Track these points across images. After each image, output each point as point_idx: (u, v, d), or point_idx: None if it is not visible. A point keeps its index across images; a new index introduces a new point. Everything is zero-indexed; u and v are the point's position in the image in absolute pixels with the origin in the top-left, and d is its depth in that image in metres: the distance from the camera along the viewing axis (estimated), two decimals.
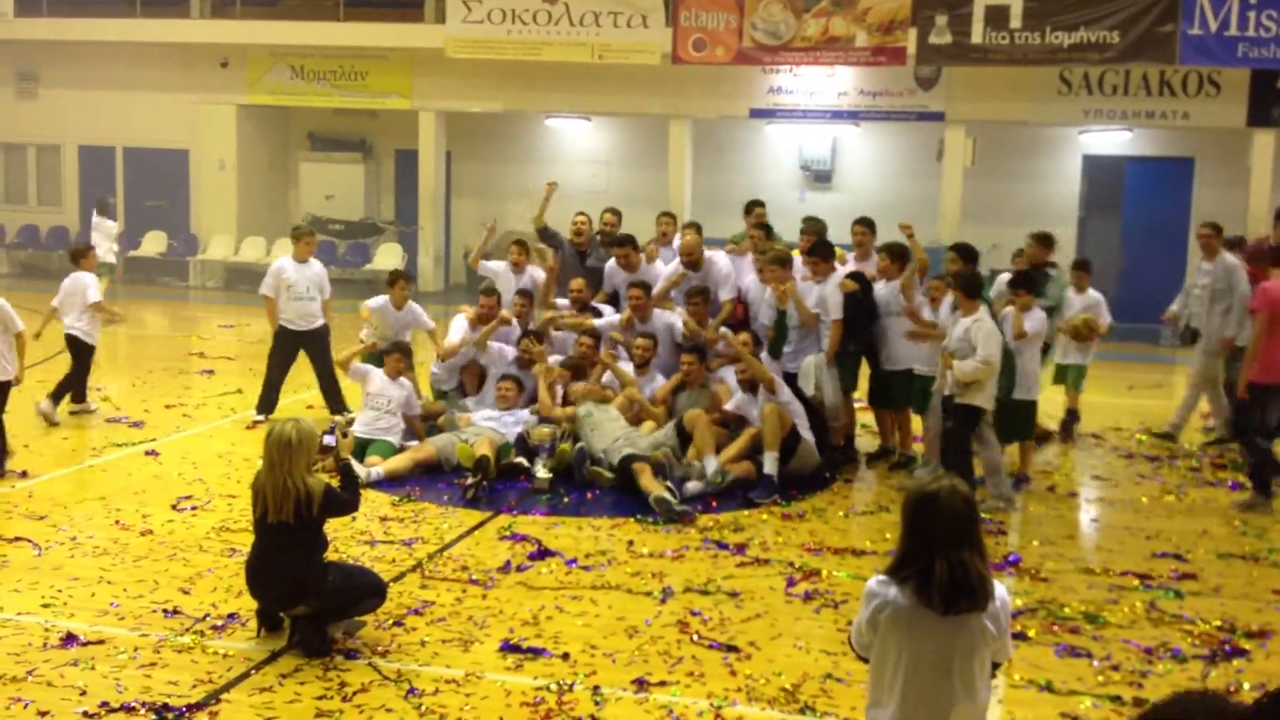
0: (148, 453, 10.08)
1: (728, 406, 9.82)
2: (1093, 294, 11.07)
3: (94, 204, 19.83)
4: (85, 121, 22.83)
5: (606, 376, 10.43)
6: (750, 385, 9.61)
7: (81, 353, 11.31)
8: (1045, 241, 11.09)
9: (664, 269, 11.14)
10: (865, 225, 10.65)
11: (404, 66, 21.20)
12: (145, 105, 22.31)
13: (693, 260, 10.82)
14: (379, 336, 10.77)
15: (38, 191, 23.93)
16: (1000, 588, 3.74)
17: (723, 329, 10.34)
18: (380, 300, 11.10)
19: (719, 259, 10.95)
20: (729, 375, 10.08)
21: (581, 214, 11.91)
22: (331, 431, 6.59)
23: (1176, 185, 19.83)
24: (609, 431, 9.49)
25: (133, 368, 13.80)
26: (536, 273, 11.54)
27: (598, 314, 11.01)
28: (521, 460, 9.48)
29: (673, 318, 10.61)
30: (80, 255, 11.71)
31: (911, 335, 9.73)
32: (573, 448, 9.46)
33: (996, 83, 18.73)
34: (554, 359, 10.50)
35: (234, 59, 21.84)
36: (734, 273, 10.80)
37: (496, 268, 11.70)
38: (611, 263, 11.28)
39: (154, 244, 22.77)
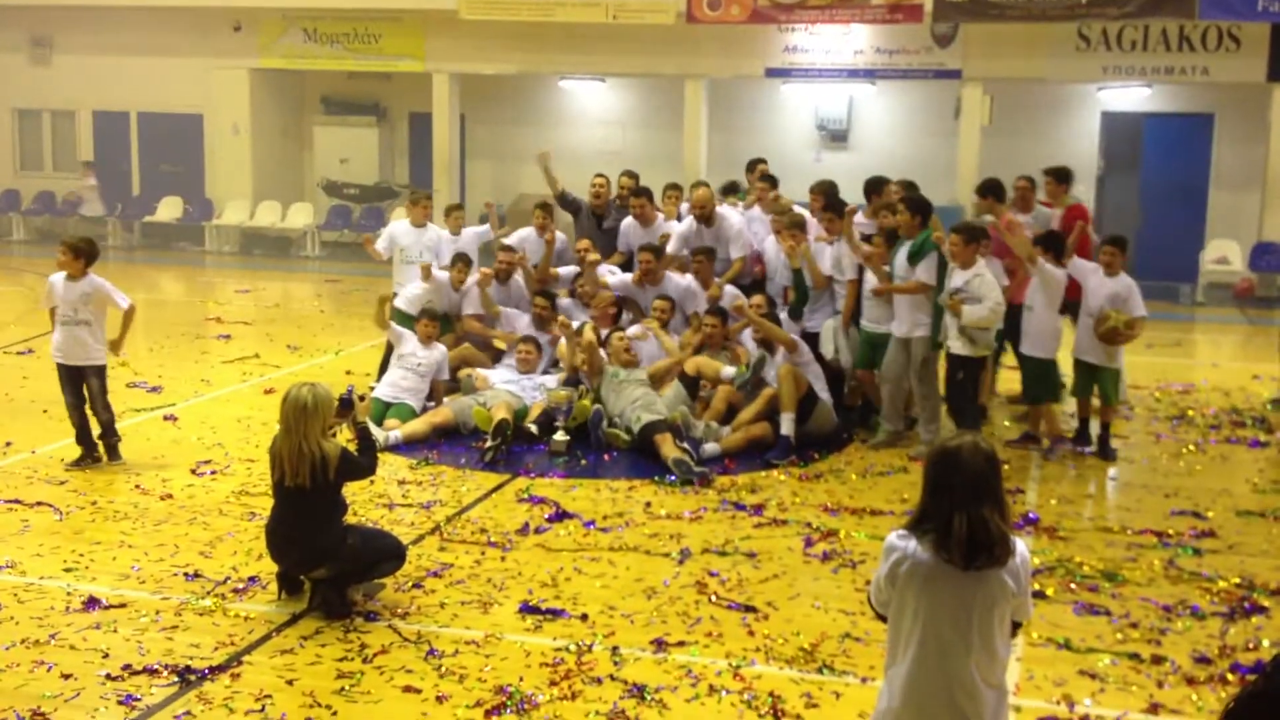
0: (166, 417, 10.13)
1: None
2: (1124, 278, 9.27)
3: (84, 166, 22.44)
4: (100, 87, 22.77)
5: (632, 330, 10.34)
6: (767, 346, 9.58)
7: None
8: (1062, 178, 10.69)
9: (678, 227, 11.10)
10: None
11: (417, 29, 21.07)
12: (159, 70, 22.24)
13: (705, 214, 10.76)
14: (424, 303, 10.70)
15: (53, 157, 23.96)
16: (1021, 545, 3.72)
17: (733, 289, 10.30)
18: (443, 275, 11.01)
19: (731, 215, 10.90)
20: (747, 337, 10.05)
21: (600, 176, 11.84)
22: (349, 394, 6.58)
23: (1196, 142, 19.62)
24: (627, 394, 9.48)
25: (150, 333, 13.82)
26: (560, 236, 11.51)
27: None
28: (532, 428, 9.44)
29: (688, 280, 10.56)
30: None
31: (879, 290, 9.46)
32: (591, 406, 9.46)
33: (1014, 39, 18.53)
34: (577, 322, 10.44)
35: (247, 23, 21.73)
36: (745, 230, 10.76)
37: (523, 234, 11.68)
38: (627, 221, 11.24)
39: (169, 209, 22.77)
